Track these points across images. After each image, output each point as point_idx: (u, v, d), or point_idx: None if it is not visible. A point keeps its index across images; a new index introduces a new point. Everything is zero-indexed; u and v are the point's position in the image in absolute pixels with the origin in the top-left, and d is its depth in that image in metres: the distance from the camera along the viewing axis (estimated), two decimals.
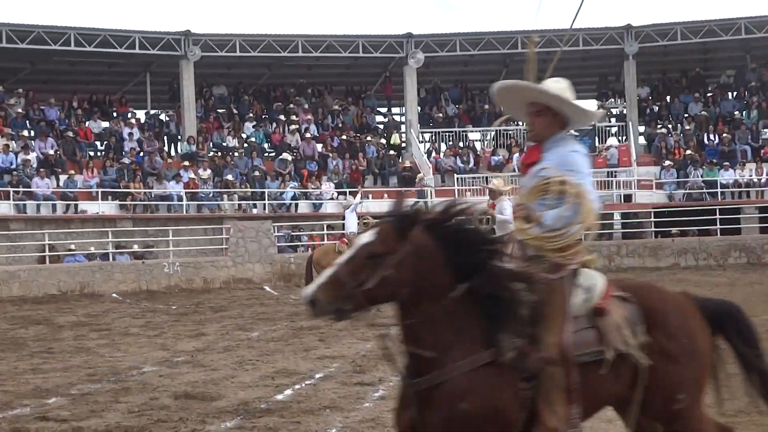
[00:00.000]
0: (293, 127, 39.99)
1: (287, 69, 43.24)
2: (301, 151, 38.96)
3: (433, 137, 42.07)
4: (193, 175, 35.78)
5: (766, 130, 40.09)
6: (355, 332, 17.25)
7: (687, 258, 33.60)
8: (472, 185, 38.06)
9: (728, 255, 33.57)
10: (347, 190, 36.92)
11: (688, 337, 6.39)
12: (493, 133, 42.15)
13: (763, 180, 37.20)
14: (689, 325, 6.46)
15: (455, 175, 38.29)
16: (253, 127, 40.13)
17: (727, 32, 40.51)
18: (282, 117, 40.58)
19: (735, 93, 43.21)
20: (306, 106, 41.78)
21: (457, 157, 39.66)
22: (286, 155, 37.86)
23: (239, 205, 35.68)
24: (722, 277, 29.04)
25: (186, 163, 36.55)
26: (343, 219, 25.20)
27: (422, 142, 41.47)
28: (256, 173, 36.76)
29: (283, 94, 42.79)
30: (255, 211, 35.65)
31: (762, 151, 38.59)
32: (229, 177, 36.17)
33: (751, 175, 37.36)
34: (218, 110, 41.49)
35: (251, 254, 31.39)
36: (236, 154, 38.01)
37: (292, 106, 41.42)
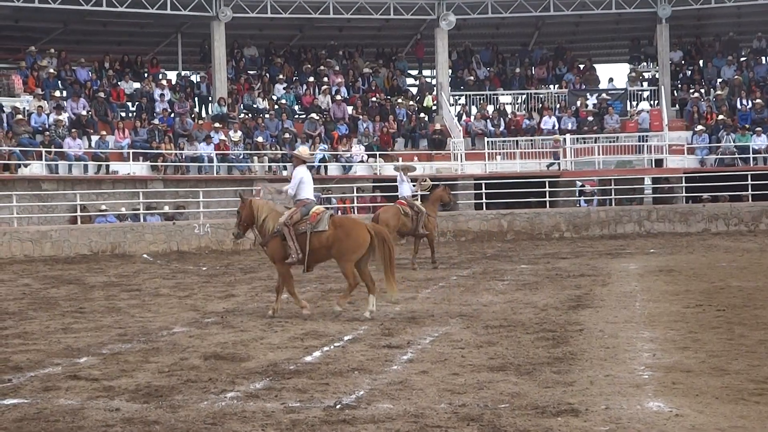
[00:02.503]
0: (324, 89, 39.94)
1: (318, 31, 43.15)
2: (332, 113, 38.95)
3: (465, 100, 41.92)
4: (223, 137, 35.83)
5: None
6: (384, 295, 17.30)
7: (718, 223, 33.50)
8: (503, 149, 37.97)
9: (759, 221, 33.46)
10: (377, 153, 36.94)
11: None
12: (524, 97, 41.99)
13: None
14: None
15: (485, 138, 38.17)
16: (284, 89, 40.10)
17: None
18: (312, 79, 40.51)
19: None
20: (337, 68, 41.69)
21: (488, 121, 39.54)
22: (315, 116, 37.82)
23: (269, 167, 35.73)
24: (753, 242, 28.94)
25: (217, 124, 36.61)
26: (396, 182, 25.58)
27: (453, 105, 41.34)
28: (287, 135, 36.77)
29: (314, 56, 42.71)
30: (285, 173, 35.65)
31: None
32: (260, 139, 36.21)
33: None
34: (249, 72, 41.49)
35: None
36: (267, 115, 38.02)
37: (322, 68, 41.34)
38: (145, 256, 28.60)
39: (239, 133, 36.39)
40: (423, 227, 24.24)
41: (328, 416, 8.26)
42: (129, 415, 8.42)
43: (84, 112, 35.34)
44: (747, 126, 37.62)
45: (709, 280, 18.51)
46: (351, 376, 9.92)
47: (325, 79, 40.65)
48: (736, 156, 36.92)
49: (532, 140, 38.43)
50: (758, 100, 38.68)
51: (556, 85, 42.94)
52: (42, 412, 8.59)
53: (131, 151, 34.45)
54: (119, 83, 38.62)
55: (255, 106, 39.00)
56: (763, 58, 42.79)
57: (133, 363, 10.84)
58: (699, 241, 30.30)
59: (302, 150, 17.22)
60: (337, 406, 8.59)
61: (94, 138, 34.72)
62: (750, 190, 34.75)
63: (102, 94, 36.81)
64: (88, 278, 22.35)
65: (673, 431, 7.56)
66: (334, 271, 23.01)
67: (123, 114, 37.93)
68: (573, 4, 40.86)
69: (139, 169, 34.43)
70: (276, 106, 38.66)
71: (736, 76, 40.50)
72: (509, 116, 40.61)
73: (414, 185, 25.63)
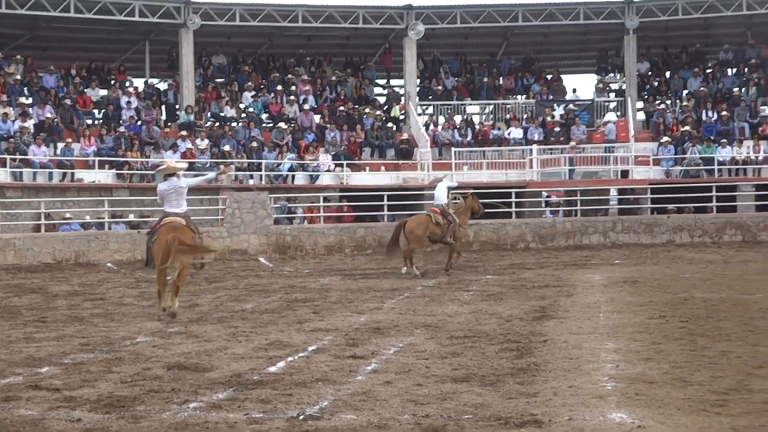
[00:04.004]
0: (291, 97, 39.92)
1: (287, 39, 43.14)
2: (299, 122, 38.92)
3: (432, 110, 41.98)
4: (190, 145, 35.74)
5: (764, 107, 40.06)
6: (349, 305, 17.32)
7: (682, 235, 33.66)
8: (470, 159, 38.04)
9: (723, 232, 33.65)
10: (344, 162, 36.95)
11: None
12: (491, 107, 42.10)
13: (760, 158, 37.17)
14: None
15: (453, 148, 38.24)
16: (252, 97, 40.06)
17: (728, 8, 40.35)
18: (280, 87, 40.49)
19: (734, 70, 43.12)
20: (305, 76, 41.68)
21: (455, 131, 39.63)
22: (282, 125, 37.79)
23: (236, 175, 35.64)
24: (716, 254, 29.13)
25: (183, 132, 36.52)
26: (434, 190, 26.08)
27: (420, 114, 41.40)
28: (254, 144, 36.71)
29: (283, 65, 42.68)
30: (251, 182, 35.62)
31: (760, 128, 38.54)
32: (227, 147, 36.13)
33: (748, 153, 37.31)
34: (217, 80, 41.39)
35: (247, 225, 31.44)
36: (234, 124, 37.96)
37: (290, 76, 41.32)
38: (109, 264, 28.46)
39: (206, 141, 36.30)
40: (451, 236, 24.60)
41: (291, 427, 8.23)
42: (90, 426, 8.35)
43: (50, 119, 35.13)
44: (712, 138, 37.86)
45: (673, 292, 18.61)
46: (315, 386, 9.89)
47: (293, 87, 40.62)
48: (702, 168, 37.16)
49: (499, 151, 38.52)
50: (724, 112, 38.93)
51: (524, 96, 43.07)
52: (2, 423, 8.51)
53: (97, 158, 34.31)
54: (86, 90, 38.46)
55: (222, 114, 38.93)
56: (729, 70, 43.10)
57: (95, 373, 10.76)
58: (663, 252, 30.47)
59: (168, 163, 17.64)
60: (301, 417, 8.55)
61: (60, 145, 34.54)
62: (714, 201, 34.96)
63: (68, 101, 36.67)
64: (51, 287, 22.21)
65: None
66: (299, 281, 23.04)
67: (89, 121, 37.80)
68: (541, 14, 41.05)
69: (105, 177, 34.29)
70: (243, 115, 38.60)
71: (702, 88, 40.78)
72: (477, 126, 40.72)
73: (453, 198, 25.82)
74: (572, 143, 37.63)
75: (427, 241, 24.88)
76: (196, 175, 34.55)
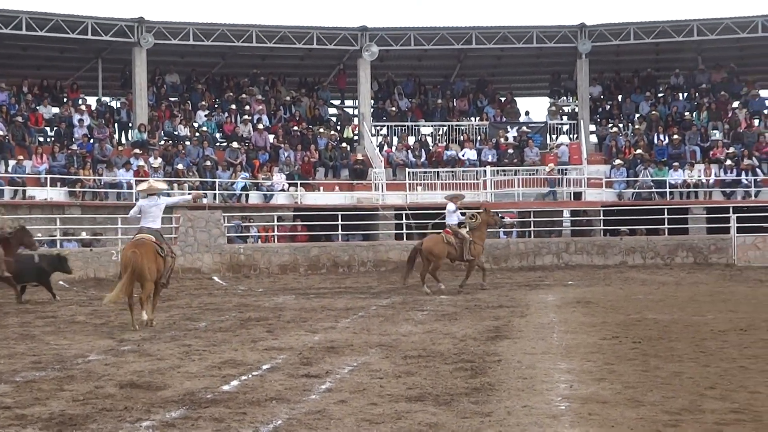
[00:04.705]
0: (245, 117, 39.85)
1: (241, 59, 43.11)
2: (253, 141, 38.85)
3: (386, 131, 42.07)
4: (143, 163, 35.54)
5: (715, 131, 40.48)
6: (303, 324, 17.28)
7: (635, 257, 33.90)
8: (424, 179, 38.13)
9: (675, 254, 33.91)
10: (298, 182, 36.90)
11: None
12: (445, 128, 42.24)
13: (711, 181, 37.57)
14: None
15: (407, 169, 38.31)
16: (205, 116, 39.95)
17: (680, 33, 40.83)
18: (234, 107, 40.41)
19: (686, 94, 43.57)
20: (259, 96, 41.63)
21: (409, 151, 39.72)
22: (236, 144, 37.71)
23: (189, 194, 35.45)
24: (669, 276, 29.35)
25: (137, 151, 36.33)
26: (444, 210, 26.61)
27: (374, 135, 41.46)
28: (207, 163, 36.58)
29: (236, 84, 42.63)
30: (205, 201, 35.47)
31: (711, 152, 38.95)
32: (180, 166, 35.98)
33: (699, 176, 37.69)
34: (170, 98, 41.21)
35: (200, 244, 31.32)
36: (188, 143, 37.83)
37: (244, 96, 41.26)
38: (61, 282, 28.18)
39: (159, 159, 36.13)
40: (469, 253, 25.37)
41: None
42: None
43: (1, 136, 34.84)
44: (664, 161, 38.22)
45: (626, 313, 18.71)
46: (269, 405, 9.85)
47: (247, 107, 40.56)
48: (653, 190, 37.49)
49: (453, 172, 38.64)
50: (675, 136, 39.33)
51: (477, 118, 43.28)
52: None
53: (49, 176, 34.02)
54: (38, 108, 38.18)
55: (176, 133, 38.76)
56: (681, 95, 43.55)
57: (47, 391, 10.66)
58: (616, 273, 30.66)
59: (150, 183, 18.64)
60: None
61: (11, 162, 34.24)
62: (666, 224, 35.26)
63: (20, 119, 36.35)
64: (2, 305, 21.96)
65: None
66: (253, 300, 22.96)
67: (41, 139, 37.48)
68: (495, 37, 41.29)
69: (57, 194, 34.00)
70: (197, 134, 38.46)
71: (653, 112, 41.17)
72: (431, 147, 40.85)
73: (464, 216, 26.38)
74: (550, 166, 37.75)
75: (444, 261, 26.09)
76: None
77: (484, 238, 26.73)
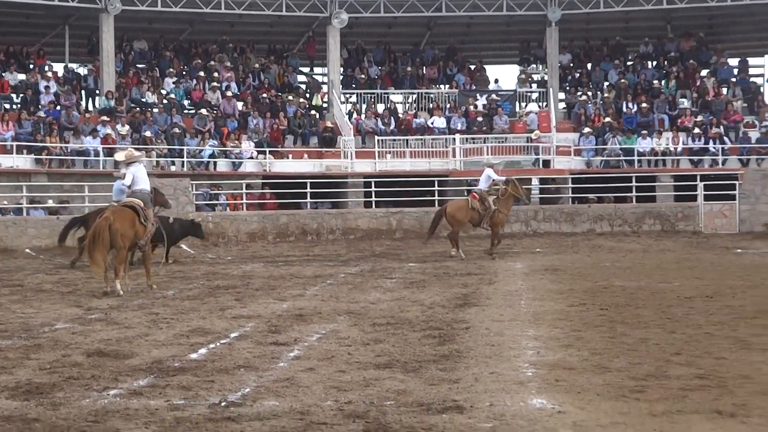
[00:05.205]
0: (214, 84, 39.63)
1: (209, 25, 42.81)
2: (222, 108, 38.67)
3: (356, 98, 41.96)
4: (110, 131, 35.33)
5: (683, 99, 40.61)
6: (272, 292, 17.27)
7: (602, 224, 34.04)
8: (393, 147, 38.09)
9: (642, 222, 34.07)
10: (267, 149, 36.78)
11: None
12: (414, 96, 42.19)
13: (679, 149, 37.71)
14: None
15: (376, 137, 38.26)
16: (173, 83, 39.68)
17: (649, 2, 40.85)
18: (203, 74, 40.16)
19: (655, 62, 43.66)
20: (227, 63, 41.39)
21: (378, 119, 39.65)
22: (204, 112, 37.51)
23: (157, 162, 35.29)
24: (636, 243, 29.51)
25: (104, 118, 36.09)
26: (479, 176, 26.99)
27: (344, 103, 41.35)
28: (175, 130, 36.40)
29: (205, 51, 42.35)
30: (173, 168, 35.34)
31: (679, 120, 39.09)
32: (147, 133, 35.78)
33: (667, 144, 37.84)
34: (138, 65, 40.91)
35: (168, 212, 31.12)
36: (155, 110, 37.61)
37: (213, 63, 41.01)
38: (27, 250, 28.06)
39: (127, 127, 35.91)
40: (488, 222, 25.54)
41: (212, 414, 8.17)
42: (8, 413, 8.22)
43: None
44: (632, 129, 38.35)
45: (593, 280, 18.81)
46: (237, 373, 9.84)
47: (216, 74, 40.32)
48: (622, 158, 37.62)
49: (422, 139, 38.61)
50: (644, 104, 39.43)
51: (447, 85, 43.23)
52: None
53: (15, 143, 33.76)
54: (4, 74, 37.85)
55: (144, 100, 38.50)
56: (649, 63, 43.63)
57: (13, 360, 10.61)
58: (584, 241, 30.79)
59: (130, 150, 19.41)
60: (223, 404, 8.50)
61: None
62: (634, 191, 35.40)
63: None
64: None
65: (555, 428, 7.64)
66: (221, 268, 22.94)
67: (7, 106, 37.09)
68: (465, 5, 41.19)
69: (23, 162, 33.78)
70: (165, 101, 38.23)
71: (622, 80, 41.23)
72: (400, 115, 40.79)
73: (497, 182, 26.26)
74: (536, 133, 37.73)
75: (469, 225, 26.38)
76: (116, 162, 34.54)
77: (510, 209, 26.80)
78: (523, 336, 12.00)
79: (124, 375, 9.76)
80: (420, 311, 14.47)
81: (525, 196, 27.69)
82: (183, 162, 35.67)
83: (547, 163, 37.54)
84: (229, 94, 39.12)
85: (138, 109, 37.62)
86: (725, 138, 37.89)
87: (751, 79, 42.43)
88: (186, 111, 39.14)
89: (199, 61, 41.16)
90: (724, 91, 41.08)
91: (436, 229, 26.51)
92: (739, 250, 26.60)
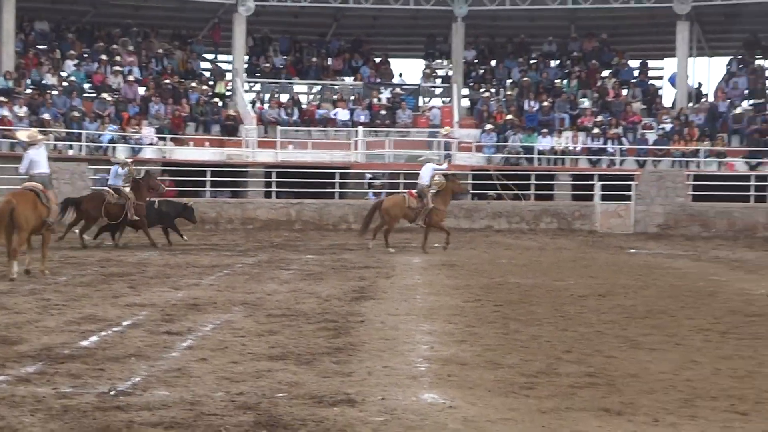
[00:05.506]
0: (116, 68, 39.10)
1: (113, 8, 42.27)
2: (123, 93, 38.19)
3: (260, 87, 41.76)
4: (7, 113, 34.68)
5: (584, 99, 41.21)
6: (167, 281, 17.11)
7: (500, 221, 34.35)
8: (295, 138, 37.99)
9: (540, 220, 34.46)
10: (168, 136, 36.43)
11: None
12: (319, 87, 42.13)
13: (578, 148, 38.22)
14: None
15: (278, 127, 38.12)
16: (74, 65, 39.08)
17: (554, 1, 41.34)
18: (105, 57, 39.60)
19: (557, 62, 44.19)
20: (130, 47, 40.88)
21: (282, 109, 39.51)
22: (105, 96, 37.01)
23: (55, 145, 34.70)
24: (533, 241, 29.81)
25: (1, 99, 35.39)
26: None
27: (248, 91, 41.14)
28: (75, 113, 35.85)
29: (108, 34, 41.76)
30: (71, 152, 34.82)
31: (579, 120, 39.63)
32: (46, 116, 35.21)
33: (567, 143, 38.32)
34: (38, 46, 40.19)
35: (65, 196, 30.64)
36: (55, 92, 37.00)
37: (115, 46, 40.47)
38: None
39: (25, 108, 35.29)
40: (423, 220, 25.19)
41: (101, 402, 8.06)
42: None
43: None
44: (533, 127, 38.77)
45: (489, 276, 18.96)
46: (128, 362, 9.73)
47: (118, 58, 39.80)
48: (522, 156, 38.00)
49: (325, 131, 38.59)
50: (545, 103, 39.89)
51: (352, 78, 43.26)
52: None
53: None
54: None
55: (43, 82, 37.86)
56: (552, 62, 44.13)
57: None
58: (482, 237, 31.03)
59: (32, 132, 19.37)
60: (112, 393, 8.40)
61: None
62: (533, 189, 35.78)
63: None
64: None
65: (445, 422, 7.68)
66: (116, 255, 22.67)
67: None
68: None
69: None
70: (65, 83, 37.64)
71: (525, 78, 41.65)
72: (303, 106, 40.70)
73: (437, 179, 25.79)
74: (447, 129, 37.67)
75: (402, 221, 26.02)
76: (12, 145, 33.94)
77: (448, 204, 26.63)
78: (417, 330, 12.05)
79: (11, 361, 9.58)
80: (316, 303, 14.45)
81: (464, 191, 27.79)
82: (81, 146, 35.13)
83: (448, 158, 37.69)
84: (131, 78, 38.65)
85: (37, 90, 36.99)
86: (623, 139, 38.50)
87: (650, 82, 43.24)
88: (86, 95, 38.54)
89: (102, 44, 40.57)
90: (624, 92, 41.78)
91: (371, 221, 25.99)
92: (632, 250, 27.02)
